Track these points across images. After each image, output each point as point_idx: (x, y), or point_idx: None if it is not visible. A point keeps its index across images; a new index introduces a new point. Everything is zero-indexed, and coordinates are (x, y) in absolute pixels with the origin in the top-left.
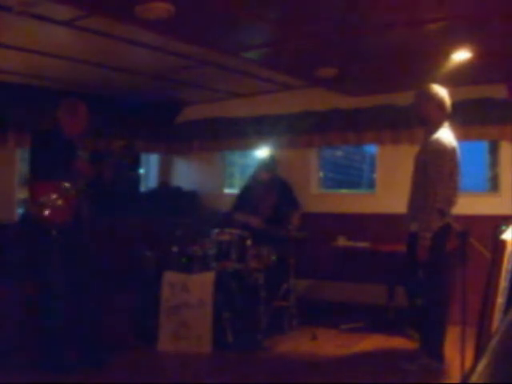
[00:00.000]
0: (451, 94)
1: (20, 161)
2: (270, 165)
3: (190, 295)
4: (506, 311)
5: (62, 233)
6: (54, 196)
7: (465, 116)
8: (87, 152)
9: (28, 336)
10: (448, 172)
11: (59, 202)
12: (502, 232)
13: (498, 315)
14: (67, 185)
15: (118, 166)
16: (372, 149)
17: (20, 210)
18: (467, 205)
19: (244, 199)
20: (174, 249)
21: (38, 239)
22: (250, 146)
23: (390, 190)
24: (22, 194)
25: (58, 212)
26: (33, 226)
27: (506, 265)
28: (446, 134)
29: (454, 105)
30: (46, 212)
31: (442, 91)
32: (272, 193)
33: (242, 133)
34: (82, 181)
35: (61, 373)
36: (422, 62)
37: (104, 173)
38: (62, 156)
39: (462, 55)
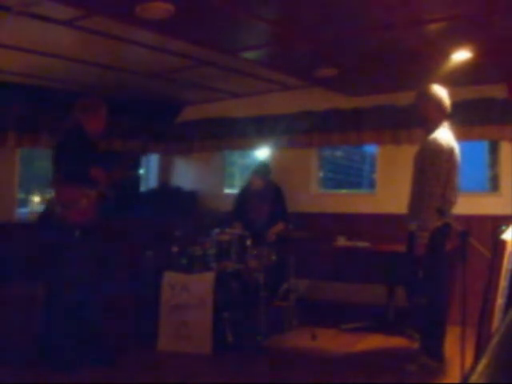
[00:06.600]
0: (451, 94)
1: (20, 161)
2: (263, 171)
3: (190, 295)
4: (505, 311)
5: (85, 233)
6: (79, 198)
7: (465, 116)
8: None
9: (30, 335)
10: (445, 172)
11: (83, 204)
12: (501, 232)
13: (498, 315)
14: (90, 188)
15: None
16: (372, 149)
17: (22, 209)
18: (467, 205)
19: (241, 207)
20: (174, 249)
21: (60, 239)
22: (250, 145)
23: (390, 190)
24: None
25: (81, 213)
26: (55, 226)
27: (506, 265)
28: (443, 134)
29: (454, 105)
30: (71, 212)
31: (441, 91)
32: (266, 202)
33: (242, 133)
34: (101, 186)
35: (62, 372)
36: (422, 61)
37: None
38: (89, 156)
39: (461, 55)
